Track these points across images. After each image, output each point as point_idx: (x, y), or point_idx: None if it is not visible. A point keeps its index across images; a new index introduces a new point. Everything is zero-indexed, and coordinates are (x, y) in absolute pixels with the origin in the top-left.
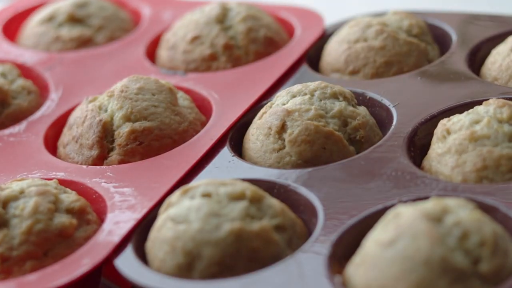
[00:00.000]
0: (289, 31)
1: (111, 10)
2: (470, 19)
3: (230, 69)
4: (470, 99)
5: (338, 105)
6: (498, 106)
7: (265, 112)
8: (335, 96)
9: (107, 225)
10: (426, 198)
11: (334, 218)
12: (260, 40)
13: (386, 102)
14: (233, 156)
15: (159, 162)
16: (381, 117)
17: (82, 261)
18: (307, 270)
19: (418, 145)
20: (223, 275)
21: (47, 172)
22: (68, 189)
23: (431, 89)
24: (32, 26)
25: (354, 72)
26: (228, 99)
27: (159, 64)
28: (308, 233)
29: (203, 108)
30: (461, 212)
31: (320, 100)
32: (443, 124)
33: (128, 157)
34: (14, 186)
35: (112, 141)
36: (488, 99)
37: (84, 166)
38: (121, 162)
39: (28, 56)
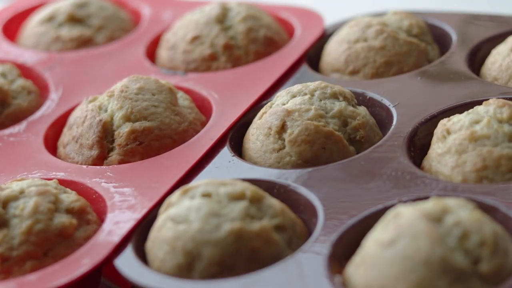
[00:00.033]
0: (289, 31)
1: (111, 10)
2: (470, 19)
3: (230, 69)
4: (470, 99)
5: (338, 105)
6: (498, 106)
7: (265, 112)
8: (335, 96)
9: (107, 225)
10: (426, 198)
11: (334, 218)
12: (260, 40)
13: (386, 102)
14: (233, 156)
15: (159, 162)
16: (381, 117)
17: (82, 261)
18: (307, 270)
19: (418, 145)
20: (223, 275)
21: (47, 172)
22: (68, 189)
23: (431, 89)
24: (32, 26)
25: (354, 72)
26: (228, 99)
27: (159, 64)
28: (308, 233)
29: (203, 108)
30: (461, 212)
31: (320, 100)
32: (443, 124)
33: (128, 157)
34: (14, 186)
35: (112, 141)
36: (488, 99)
37: (84, 166)
38: (121, 162)
39: (28, 56)
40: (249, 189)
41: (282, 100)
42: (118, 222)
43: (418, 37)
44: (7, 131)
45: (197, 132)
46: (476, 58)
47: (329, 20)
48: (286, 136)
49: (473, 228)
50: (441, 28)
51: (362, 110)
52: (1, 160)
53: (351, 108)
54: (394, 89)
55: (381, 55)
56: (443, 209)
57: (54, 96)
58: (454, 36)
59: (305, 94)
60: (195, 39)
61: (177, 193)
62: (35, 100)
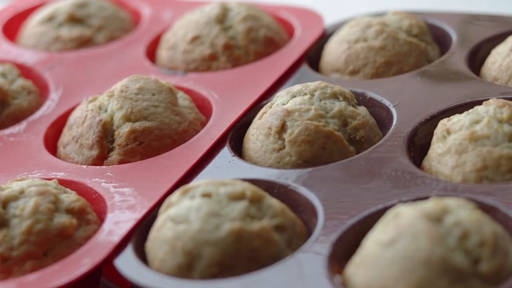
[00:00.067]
0: (289, 31)
1: (111, 10)
2: (470, 19)
3: (230, 69)
4: (470, 99)
5: (338, 105)
6: (498, 106)
7: (265, 112)
8: (335, 96)
9: (107, 225)
10: (426, 198)
11: (334, 218)
12: (260, 40)
13: (386, 102)
14: (233, 156)
15: (159, 162)
16: (381, 117)
17: (82, 261)
18: (307, 270)
19: (418, 145)
20: (223, 275)
21: (47, 172)
22: (68, 189)
23: (431, 89)
24: (32, 26)
25: (354, 72)
26: (228, 99)
27: (159, 64)
28: (308, 233)
29: (203, 108)
30: (461, 212)
31: (320, 100)
32: (443, 124)
33: (128, 157)
34: (14, 186)
35: (112, 141)
36: (488, 99)
37: (84, 166)
38: (121, 162)
39: (28, 56)
40: (249, 189)
41: (282, 100)
42: (118, 222)
43: (418, 37)
44: (7, 131)
45: (197, 132)
46: (476, 58)
47: (329, 20)
48: (286, 136)
49: (473, 228)
50: (441, 28)
51: (362, 110)
52: (1, 160)
53: (351, 108)
54: (394, 89)
55: (381, 55)
56: (443, 209)
57: (54, 96)
58: (454, 36)
59: (305, 94)
60: (195, 39)
61: (177, 193)
62: (35, 100)
